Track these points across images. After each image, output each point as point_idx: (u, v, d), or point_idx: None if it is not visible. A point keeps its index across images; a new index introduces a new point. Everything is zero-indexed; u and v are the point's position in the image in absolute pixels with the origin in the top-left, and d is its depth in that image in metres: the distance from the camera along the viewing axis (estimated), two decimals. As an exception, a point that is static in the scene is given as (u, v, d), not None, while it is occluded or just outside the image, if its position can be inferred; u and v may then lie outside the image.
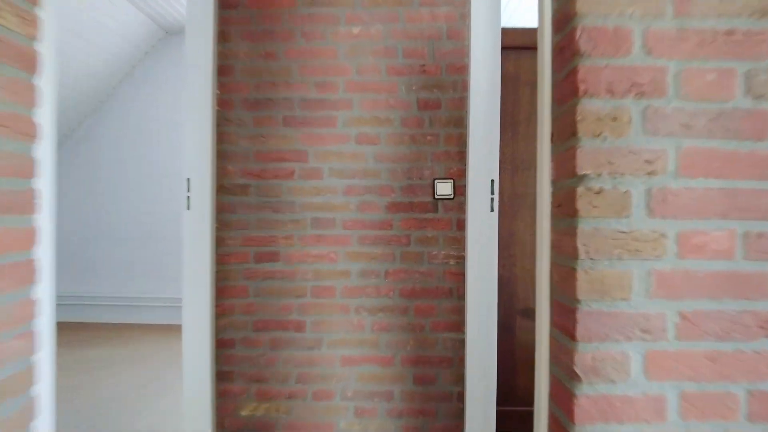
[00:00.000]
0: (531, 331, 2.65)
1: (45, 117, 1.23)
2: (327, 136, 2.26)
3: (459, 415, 2.24)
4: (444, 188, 2.20)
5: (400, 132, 2.24)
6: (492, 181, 2.18)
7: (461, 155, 2.23)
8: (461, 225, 2.22)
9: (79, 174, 5.18)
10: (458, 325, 2.24)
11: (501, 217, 2.54)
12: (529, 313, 2.63)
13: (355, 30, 2.24)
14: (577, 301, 1.05)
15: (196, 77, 2.24)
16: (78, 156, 5.17)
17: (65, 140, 5.15)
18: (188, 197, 2.25)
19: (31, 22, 1.16)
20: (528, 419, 2.64)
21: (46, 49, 1.23)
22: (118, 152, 5.15)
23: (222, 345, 2.28)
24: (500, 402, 2.63)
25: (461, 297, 2.23)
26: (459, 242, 2.22)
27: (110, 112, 5.17)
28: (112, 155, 5.15)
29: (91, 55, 4.44)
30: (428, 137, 2.23)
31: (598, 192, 1.06)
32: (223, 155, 2.28)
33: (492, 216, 2.19)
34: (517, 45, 2.63)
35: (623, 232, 1.06)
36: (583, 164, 1.06)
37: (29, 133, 1.16)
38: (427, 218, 2.22)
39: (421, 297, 2.23)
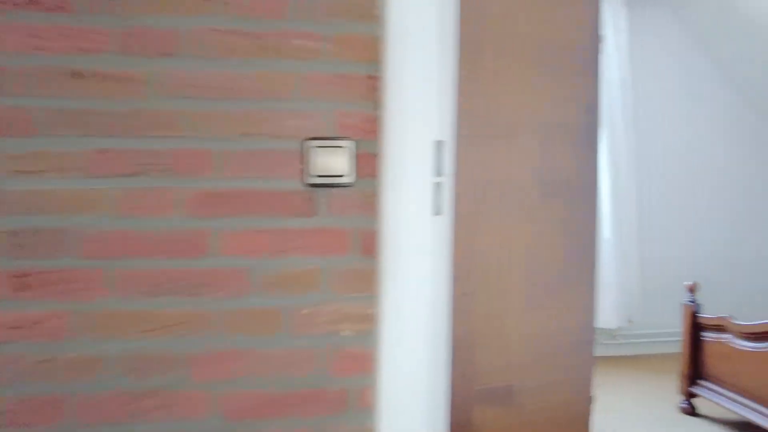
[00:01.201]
0: (501, 429, 1.46)
1: None
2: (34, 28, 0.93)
3: None
4: (331, 160, 0.94)
5: (231, 27, 0.95)
6: (439, 143, 0.94)
7: (371, 84, 0.97)
8: (371, 244, 0.96)
9: None
10: (363, 472, 0.99)
11: (456, 222, 1.31)
12: (499, 397, 1.45)
13: None
14: None
15: None
16: None
17: None
18: None
19: None
20: None
21: None
22: None
23: None
24: None
25: (368, 410, 0.97)
26: (366, 283, 0.97)
27: None
28: None
29: None
30: (295, 40, 0.96)
31: None
32: None
33: (438, 224, 0.96)
34: None
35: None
36: None
37: None
38: (291, 228, 0.95)
39: (278, 415, 0.96)
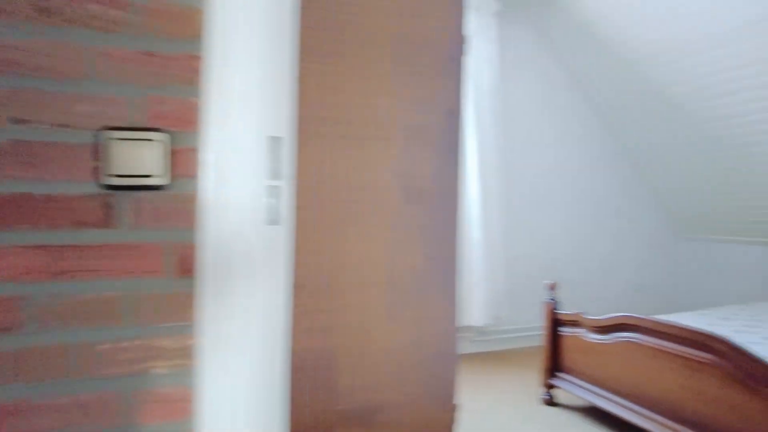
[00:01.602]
0: (365, 449, 1.36)
1: None
2: None
3: None
4: (138, 156, 0.76)
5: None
6: (275, 139, 0.81)
7: (192, 65, 0.81)
8: (189, 261, 0.79)
9: None
10: None
11: (306, 231, 1.17)
12: (361, 417, 1.35)
13: None
14: None
15: None
16: None
17: None
18: None
19: None
20: None
21: None
22: None
23: None
24: None
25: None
26: (183, 310, 0.80)
27: None
28: None
29: None
30: (90, 5, 0.76)
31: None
32: None
33: (276, 234, 0.82)
34: None
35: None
36: None
37: None
38: (81, 243, 0.75)
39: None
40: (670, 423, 2.01)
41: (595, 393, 2.40)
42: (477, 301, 3.40)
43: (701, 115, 3.48)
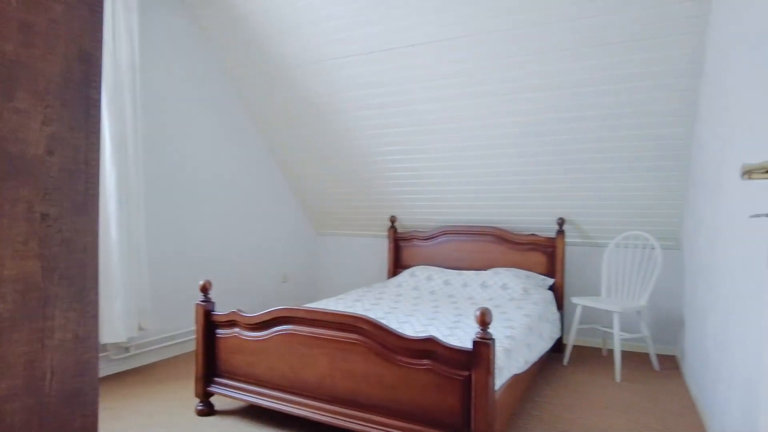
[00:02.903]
0: None
1: None
2: None
3: None
4: None
5: None
6: None
7: None
8: None
9: None
10: None
11: None
12: None
13: None
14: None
15: None
16: None
17: None
18: None
19: None
20: None
21: None
22: None
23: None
24: None
25: None
26: None
27: None
28: None
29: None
30: None
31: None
32: None
33: None
34: None
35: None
36: None
37: None
38: None
39: None
40: (325, 405, 2.12)
41: (256, 392, 2.33)
42: (117, 312, 2.84)
43: (332, 126, 3.95)
